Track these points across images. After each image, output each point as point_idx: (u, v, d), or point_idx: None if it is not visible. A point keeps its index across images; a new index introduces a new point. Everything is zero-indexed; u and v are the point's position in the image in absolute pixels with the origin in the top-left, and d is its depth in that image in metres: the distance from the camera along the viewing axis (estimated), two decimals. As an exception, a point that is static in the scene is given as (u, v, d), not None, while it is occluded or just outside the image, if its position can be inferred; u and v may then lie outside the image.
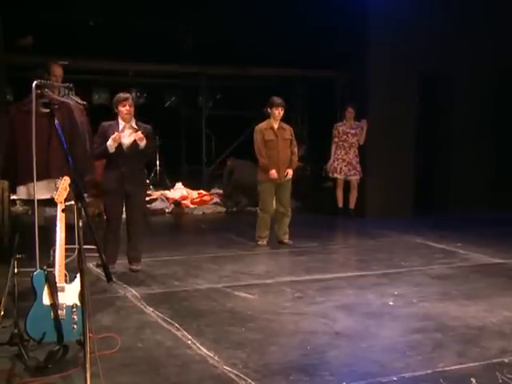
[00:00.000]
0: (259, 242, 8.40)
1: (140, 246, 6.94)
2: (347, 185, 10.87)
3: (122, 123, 6.66)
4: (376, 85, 10.88)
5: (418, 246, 8.54)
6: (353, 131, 10.73)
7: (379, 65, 10.79)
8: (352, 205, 10.87)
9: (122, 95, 6.74)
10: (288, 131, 8.40)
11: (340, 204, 10.89)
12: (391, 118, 10.89)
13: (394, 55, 10.76)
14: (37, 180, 6.00)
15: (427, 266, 7.33)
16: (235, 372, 4.14)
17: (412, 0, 10.78)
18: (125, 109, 6.62)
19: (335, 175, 10.84)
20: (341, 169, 10.74)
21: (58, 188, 4.45)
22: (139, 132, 6.59)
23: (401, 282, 6.61)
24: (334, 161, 10.81)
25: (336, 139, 10.78)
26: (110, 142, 6.49)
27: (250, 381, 4.01)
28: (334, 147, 10.82)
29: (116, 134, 6.48)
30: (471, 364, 4.33)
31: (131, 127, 6.67)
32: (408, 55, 10.82)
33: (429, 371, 4.20)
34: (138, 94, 7.87)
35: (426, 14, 10.82)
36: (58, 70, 7.19)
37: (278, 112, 8.24)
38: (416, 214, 11.11)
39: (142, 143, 6.62)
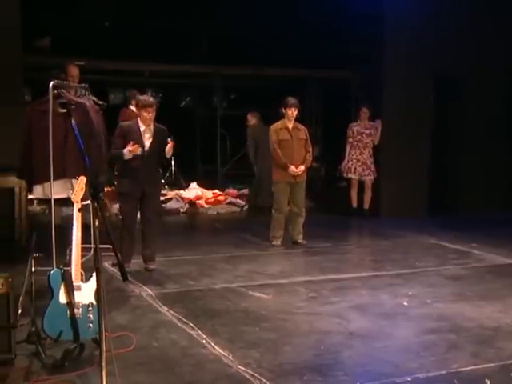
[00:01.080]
0: (273, 242, 8.41)
1: (154, 246, 6.99)
2: (361, 185, 10.86)
3: (142, 126, 6.70)
4: (390, 85, 10.88)
5: (432, 247, 8.53)
6: (367, 131, 10.73)
7: (393, 65, 10.78)
8: (366, 205, 10.87)
9: (147, 100, 6.73)
10: (303, 131, 8.42)
11: (354, 204, 10.89)
12: (405, 118, 10.87)
13: (408, 56, 10.75)
14: (53, 179, 6.04)
15: (441, 267, 7.32)
16: (249, 371, 4.16)
17: (426, 1, 10.75)
18: (148, 115, 6.64)
19: (349, 175, 10.84)
20: (355, 169, 10.74)
21: (74, 188, 4.49)
22: (169, 145, 6.67)
23: (415, 282, 6.61)
24: (348, 161, 10.81)
25: (350, 139, 10.77)
26: (126, 151, 6.51)
27: (264, 380, 4.03)
28: (348, 147, 10.81)
29: (132, 145, 6.49)
30: (485, 365, 4.33)
31: (150, 130, 6.73)
32: (422, 56, 10.80)
33: (443, 372, 4.20)
34: (154, 94, 7.95)
35: (440, 15, 10.79)
36: (74, 71, 7.24)
37: (292, 112, 8.26)
38: (430, 214, 11.08)
39: (169, 154, 6.74)
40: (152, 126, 6.75)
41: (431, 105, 11.29)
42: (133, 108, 8.62)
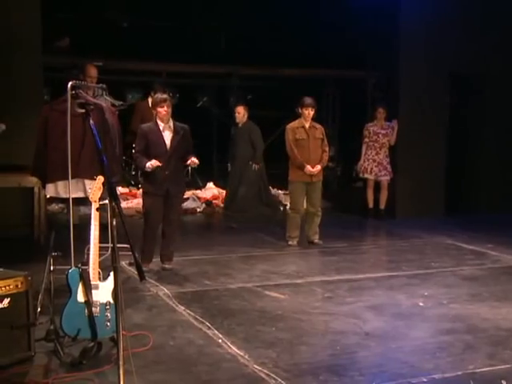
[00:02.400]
0: (289, 242, 8.43)
1: (173, 246, 7.02)
2: (377, 185, 10.85)
3: (160, 124, 6.75)
4: (406, 85, 10.84)
5: (448, 247, 8.50)
6: (383, 131, 10.71)
7: (410, 65, 10.74)
8: (382, 205, 10.84)
9: (160, 96, 6.81)
10: (319, 130, 8.42)
11: (370, 205, 10.87)
12: (422, 117, 10.84)
13: (424, 55, 10.71)
14: (66, 179, 6.08)
15: (457, 267, 7.30)
16: (265, 371, 4.18)
17: (442, 0, 10.72)
18: (163, 110, 6.70)
19: (365, 175, 10.82)
20: (371, 169, 10.72)
21: (89, 187, 4.53)
22: (194, 160, 6.77)
23: (431, 282, 6.60)
24: (364, 161, 10.79)
25: (367, 139, 10.76)
26: (148, 165, 6.57)
27: (280, 380, 4.05)
28: (364, 147, 10.80)
29: (154, 163, 6.56)
30: (502, 366, 4.33)
31: (169, 128, 6.77)
32: (438, 55, 10.76)
33: (459, 373, 4.21)
34: (171, 94, 8.02)
35: (457, 13, 10.75)
36: (92, 71, 7.30)
37: (308, 112, 8.26)
38: (446, 214, 11.05)
39: (195, 165, 6.88)
40: (172, 124, 6.80)
41: (448, 104, 11.26)
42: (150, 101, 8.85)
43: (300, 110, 8.32)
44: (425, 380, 4.09)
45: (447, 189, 11.29)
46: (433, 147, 10.98)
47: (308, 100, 8.31)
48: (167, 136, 6.76)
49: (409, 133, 10.81)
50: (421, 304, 5.82)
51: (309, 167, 8.15)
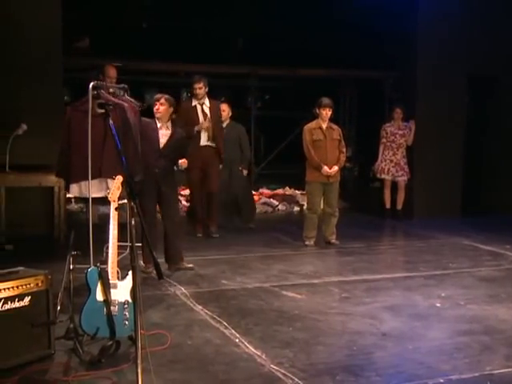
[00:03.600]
0: (306, 242, 8.44)
1: (179, 245, 6.99)
2: (395, 186, 10.83)
3: (158, 123, 6.81)
4: (424, 85, 10.83)
5: (465, 248, 8.48)
6: (401, 132, 10.70)
7: (427, 65, 10.73)
8: (399, 206, 10.83)
9: (156, 95, 6.94)
10: (336, 131, 8.43)
11: (387, 205, 10.86)
12: (439, 118, 10.82)
13: (441, 55, 10.69)
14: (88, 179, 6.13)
15: (475, 268, 7.28)
16: (282, 371, 4.20)
17: (460, 1, 10.69)
18: (155, 108, 6.79)
19: (383, 176, 10.81)
20: (388, 169, 10.71)
21: (109, 187, 4.56)
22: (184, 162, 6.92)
23: (448, 283, 6.59)
24: (381, 161, 10.78)
25: (384, 140, 10.75)
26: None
27: (296, 380, 4.06)
28: (381, 148, 10.79)
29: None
30: (519, 368, 4.32)
31: (167, 128, 6.83)
32: (455, 55, 10.74)
33: (476, 374, 4.20)
34: (189, 94, 8.04)
35: (474, 14, 10.73)
36: (112, 72, 7.35)
37: (326, 112, 8.27)
38: (464, 215, 11.02)
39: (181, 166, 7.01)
40: (170, 124, 6.85)
41: (465, 104, 11.22)
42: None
43: (317, 111, 8.32)
44: (442, 381, 4.09)
45: (464, 189, 11.25)
46: (450, 148, 10.96)
47: (326, 100, 8.31)
48: (162, 135, 6.79)
49: (426, 133, 10.79)
50: (438, 305, 5.81)
51: (326, 168, 8.16)
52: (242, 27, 12.97)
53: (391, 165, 10.71)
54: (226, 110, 9.64)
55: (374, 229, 10.12)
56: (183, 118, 8.48)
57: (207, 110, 8.83)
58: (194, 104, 8.81)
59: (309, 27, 12.09)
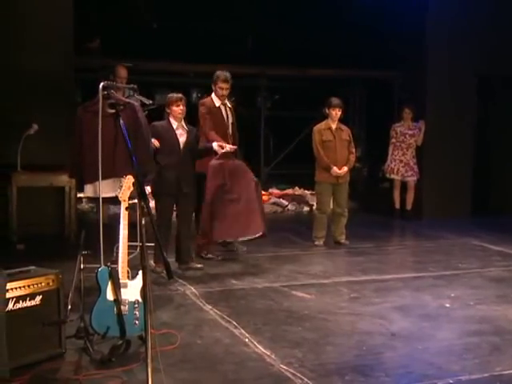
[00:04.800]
0: (316, 242, 8.44)
1: (190, 245, 7.05)
2: (404, 186, 10.82)
3: (174, 123, 6.79)
4: (433, 85, 10.82)
5: (475, 248, 8.46)
6: (410, 132, 10.69)
7: (436, 65, 10.72)
8: (409, 206, 10.82)
9: (175, 95, 6.85)
10: (346, 132, 8.43)
11: (397, 205, 10.85)
12: (449, 118, 10.81)
13: (451, 55, 10.69)
14: (102, 179, 6.17)
15: (485, 269, 7.27)
16: (291, 371, 4.20)
17: (469, 0, 10.67)
18: (179, 108, 6.74)
19: (392, 176, 10.81)
20: (398, 170, 10.70)
21: (121, 186, 4.58)
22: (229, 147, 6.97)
23: (458, 284, 6.58)
24: (391, 161, 10.78)
25: (393, 140, 10.74)
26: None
27: (306, 380, 4.07)
28: (391, 148, 10.78)
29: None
30: (529, 368, 4.31)
31: (183, 127, 6.83)
32: (465, 55, 10.73)
33: (486, 375, 4.19)
34: (199, 95, 7.96)
35: (483, 13, 10.71)
36: (123, 72, 7.39)
37: (335, 113, 8.28)
38: (474, 215, 11.00)
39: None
40: (184, 123, 6.86)
41: (475, 104, 11.20)
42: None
43: (327, 111, 8.34)
44: (451, 381, 4.08)
45: (474, 189, 11.23)
46: (460, 148, 10.94)
47: (335, 101, 8.32)
48: (180, 135, 6.80)
49: (436, 133, 10.78)
50: (447, 305, 5.80)
51: (335, 169, 8.17)
52: (251, 27, 12.96)
53: (401, 165, 10.70)
54: None
55: (383, 229, 10.11)
56: (210, 121, 7.58)
57: (229, 113, 7.90)
58: (217, 105, 7.75)
59: (318, 27, 12.06)
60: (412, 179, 10.75)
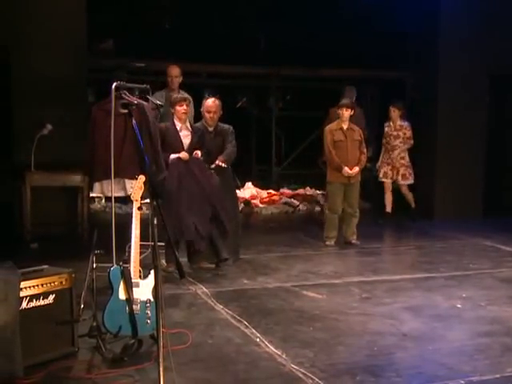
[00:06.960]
0: (327, 242, 8.45)
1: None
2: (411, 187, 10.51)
3: (178, 124, 6.82)
4: (445, 85, 10.79)
5: (486, 249, 8.44)
6: (395, 133, 10.17)
7: (448, 65, 10.70)
8: (413, 205, 10.46)
9: (179, 96, 6.91)
10: (357, 132, 8.43)
11: (388, 208, 10.36)
12: (461, 118, 10.76)
13: (463, 55, 10.65)
14: (109, 178, 6.20)
15: (496, 269, 7.25)
16: (302, 371, 4.21)
17: (481, 0, 10.65)
18: (182, 108, 6.77)
19: (383, 179, 10.35)
20: (385, 172, 10.16)
21: (132, 186, 4.61)
22: (220, 163, 6.91)
23: (469, 284, 6.57)
24: (381, 164, 10.39)
25: (383, 141, 10.37)
26: (174, 157, 6.65)
27: (317, 380, 4.08)
28: (383, 149, 10.46)
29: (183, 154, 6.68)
30: (540, 369, 4.30)
31: (187, 128, 6.85)
32: (477, 55, 10.69)
33: (497, 375, 4.19)
34: (211, 95, 7.97)
35: (496, 12, 10.66)
36: (174, 71, 7.57)
37: (343, 112, 8.27)
38: (485, 215, 10.96)
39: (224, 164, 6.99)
40: (188, 124, 6.87)
41: (487, 104, 11.16)
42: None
43: (337, 111, 8.35)
44: (462, 382, 4.08)
45: (486, 190, 11.19)
46: (471, 148, 10.91)
47: (343, 100, 8.36)
48: (184, 136, 6.82)
49: (447, 133, 10.76)
50: (458, 306, 5.80)
51: (347, 169, 8.17)
52: (263, 27, 12.97)
53: (388, 168, 10.27)
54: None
55: (394, 229, 10.11)
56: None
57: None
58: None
59: (330, 27, 12.06)
60: (402, 183, 10.25)
